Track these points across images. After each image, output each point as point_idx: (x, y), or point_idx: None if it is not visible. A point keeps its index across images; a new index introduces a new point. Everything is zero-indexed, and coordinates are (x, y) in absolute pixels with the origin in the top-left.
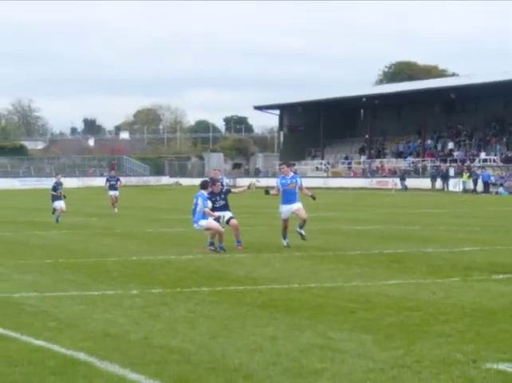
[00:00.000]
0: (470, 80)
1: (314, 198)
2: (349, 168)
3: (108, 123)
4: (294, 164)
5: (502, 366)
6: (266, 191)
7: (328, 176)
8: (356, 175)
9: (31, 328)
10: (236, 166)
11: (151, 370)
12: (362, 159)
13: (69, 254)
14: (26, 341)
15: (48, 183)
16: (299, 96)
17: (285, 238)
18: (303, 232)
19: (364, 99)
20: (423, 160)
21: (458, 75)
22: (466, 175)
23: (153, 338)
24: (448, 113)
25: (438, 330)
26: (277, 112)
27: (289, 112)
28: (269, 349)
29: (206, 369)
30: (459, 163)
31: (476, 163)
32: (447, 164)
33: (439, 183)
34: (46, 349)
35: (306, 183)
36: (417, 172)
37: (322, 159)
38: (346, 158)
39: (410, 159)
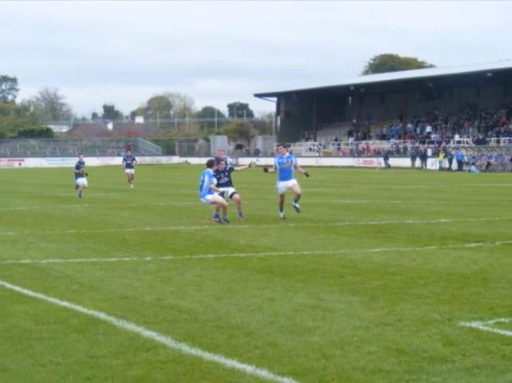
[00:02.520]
0: (446, 71)
1: (307, 175)
2: (339, 149)
3: (124, 109)
4: (290, 145)
5: (474, 324)
6: (265, 169)
7: (320, 156)
8: (344, 155)
9: (56, 290)
10: (238, 147)
11: (162, 328)
12: (350, 141)
13: (90, 225)
14: (52, 302)
15: (71, 162)
16: (294, 85)
17: (281, 211)
18: (297, 206)
19: (351, 87)
20: (404, 142)
21: (435, 66)
22: (442, 155)
23: (165, 300)
24: (426, 100)
25: (417, 292)
26: (275, 99)
27: (286, 99)
28: (267, 309)
29: (212, 327)
30: (436, 145)
31: (451, 144)
32: (425, 145)
33: (418, 162)
34: (70, 309)
35: (300, 162)
36: (399, 153)
37: (315, 140)
38: (336, 140)
39: (392, 140)
